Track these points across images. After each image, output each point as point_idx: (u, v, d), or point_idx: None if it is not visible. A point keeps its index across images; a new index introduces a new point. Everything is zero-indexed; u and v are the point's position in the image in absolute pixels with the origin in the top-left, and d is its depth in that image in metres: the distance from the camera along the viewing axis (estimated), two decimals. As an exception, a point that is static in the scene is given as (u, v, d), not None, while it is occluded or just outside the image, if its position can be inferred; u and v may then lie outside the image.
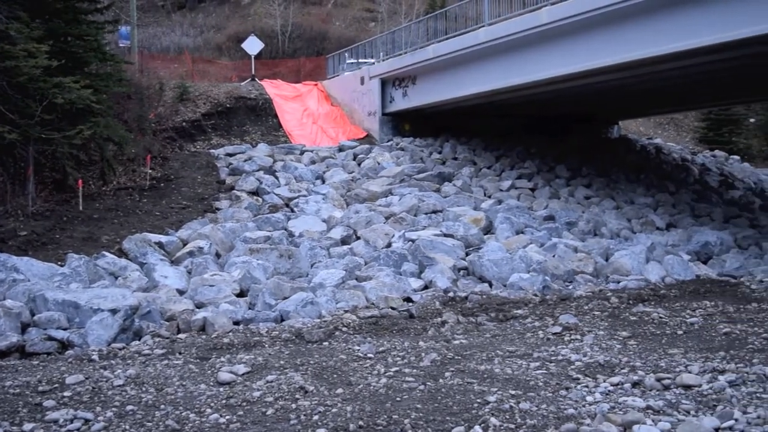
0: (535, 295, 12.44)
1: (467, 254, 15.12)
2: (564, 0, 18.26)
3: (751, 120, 38.88)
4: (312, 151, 24.52)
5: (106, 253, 13.93)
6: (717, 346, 8.46)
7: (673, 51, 16.04)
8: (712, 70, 18.80)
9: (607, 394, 6.65)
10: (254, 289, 12.27)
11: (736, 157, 32.80)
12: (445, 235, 15.85)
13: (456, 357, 8.23)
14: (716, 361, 7.70)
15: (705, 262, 16.30)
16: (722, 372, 7.20)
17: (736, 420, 5.65)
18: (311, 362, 8.10)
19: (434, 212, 18.07)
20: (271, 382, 7.29)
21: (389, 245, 15.68)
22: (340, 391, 6.98)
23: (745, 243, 17.61)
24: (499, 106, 24.82)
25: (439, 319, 10.66)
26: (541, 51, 19.23)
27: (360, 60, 30.68)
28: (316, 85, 30.99)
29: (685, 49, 15.78)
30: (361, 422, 6.06)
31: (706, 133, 36.27)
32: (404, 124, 26.83)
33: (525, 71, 19.86)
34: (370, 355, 8.44)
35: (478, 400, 6.49)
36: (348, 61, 31.76)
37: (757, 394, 6.41)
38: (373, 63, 28.64)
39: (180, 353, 8.79)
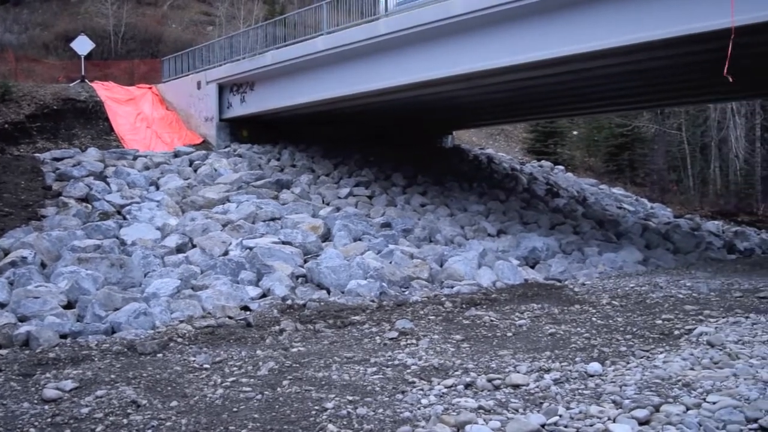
0: (373, 301, 12.61)
1: (305, 261, 15.13)
2: (399, 12, 18.70)
3: (575, 132, 41.33)
4: (146, 157, 23.67)
5: None
6: (543, 347, 8.91)
7: (497, 66, 16.74)
8: (535, 85, 19.71)
9: (441, 396, 6.84)
10: (83, 300, 11.71)
11: (561, 167, 34.59)
12: (284, 243, 15.79)
13: (294, 365, 8.22)
14: (542, 360, 8.11)
15: (533, 267, 17.14)
16: (548, 371, 7.59)
17: (561, 416, 5.97)
18: (144, 375, 7.85)
19: (272, 220, 17.94)
20: (101, 397, 7.00)
21: (226, 253, 15.42)
22: (174, 403, 6.81)
23: (569, 248, 18.66)
24: (337, 115, 24.98)
25: (277, 327, 10.61)
26: (377, 61, 19.52)
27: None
28: (150, 88, 30.02)
29: (508, 64, 16.51)
30: (196, 435, 5.94)
31: (533, 144, 37.98)
32: (242, 130, 26.48)
33: (361, 81, 20.10)
34: (206, 366, 8.29)
35: (316, 407, 6.50)
36: None
37: (579, 391, 6.80)
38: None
39: (0, 370, 8.28)
